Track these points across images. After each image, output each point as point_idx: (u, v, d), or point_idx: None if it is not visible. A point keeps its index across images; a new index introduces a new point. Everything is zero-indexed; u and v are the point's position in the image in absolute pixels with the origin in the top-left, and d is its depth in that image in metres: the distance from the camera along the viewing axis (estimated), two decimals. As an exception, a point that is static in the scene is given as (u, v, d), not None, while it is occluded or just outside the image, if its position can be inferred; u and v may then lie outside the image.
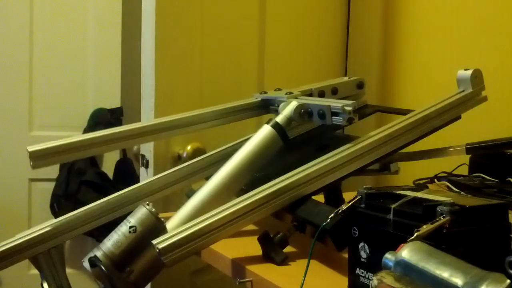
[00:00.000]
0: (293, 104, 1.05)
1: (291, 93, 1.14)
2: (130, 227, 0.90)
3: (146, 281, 0.92)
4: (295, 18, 1.80)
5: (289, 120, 1.04)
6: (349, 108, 0.96)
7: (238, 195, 0.99)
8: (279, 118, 1.04)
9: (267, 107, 1.19)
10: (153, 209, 0.91)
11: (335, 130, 1.26)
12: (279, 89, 1.19)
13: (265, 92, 1.21)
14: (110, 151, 1.10)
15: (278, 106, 1.09)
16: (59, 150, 1.01)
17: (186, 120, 1.14)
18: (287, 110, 1.05)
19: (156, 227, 0.91)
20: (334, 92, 1.25)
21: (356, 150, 0.99)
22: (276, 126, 1.03)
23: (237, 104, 1.19)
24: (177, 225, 0.93)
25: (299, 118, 1.04)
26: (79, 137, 1.03)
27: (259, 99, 1.20)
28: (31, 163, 0.99)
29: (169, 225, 0.93)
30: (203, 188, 0.98)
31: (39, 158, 0.99)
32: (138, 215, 0.91)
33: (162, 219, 0.92)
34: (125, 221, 0.92)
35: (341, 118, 0.98)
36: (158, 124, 1.12)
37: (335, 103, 0.99)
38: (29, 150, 0.99)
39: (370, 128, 1.05)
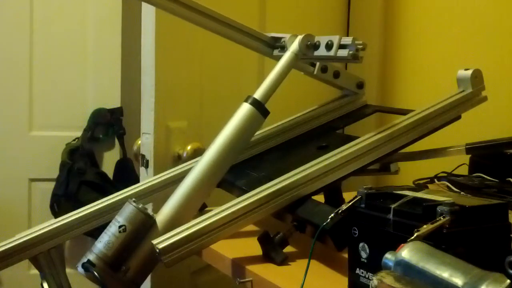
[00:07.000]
0: (300, 36, 1.05)
1: None
2: (120, 226, 0.88)
3: (144, 276, 0.91)
4: (295, 19, 1.79)
5: (271, 90, 1.02)
6: (360, 46, 0.97)
7: (225, 187, 0.97)
8: (257, 94, 1.02)
9: (274, 45, 1.19)
10: (141, 205, 0.90)
11: (335, 130, 1.26)
12: None
13: None
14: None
15: (285, 42, 1.09)
16: None
17: (191, 9, 1.14)
18: (294, 45, 1.05)
19: (146, 223, 0.90)
20: (336, 75, 1.27)
21: (356, 150, 0.99)
22: (254, 103, 1.00)
23: (245, 26, 1.19)
24: (167, 216, 0.92)
25: (305, 49, 1.04)
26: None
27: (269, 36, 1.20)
28: None
29: (159, 217, 0.92)
30: (189, 176, 0.96)
31: None
32: (126, 213, 0.90)
33: (151, 214, 0.91)
34: (113, 220, 0.90)
35: (347, 50, 0.97)
36: None
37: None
38: None
39: (370, 128, 1.05)
